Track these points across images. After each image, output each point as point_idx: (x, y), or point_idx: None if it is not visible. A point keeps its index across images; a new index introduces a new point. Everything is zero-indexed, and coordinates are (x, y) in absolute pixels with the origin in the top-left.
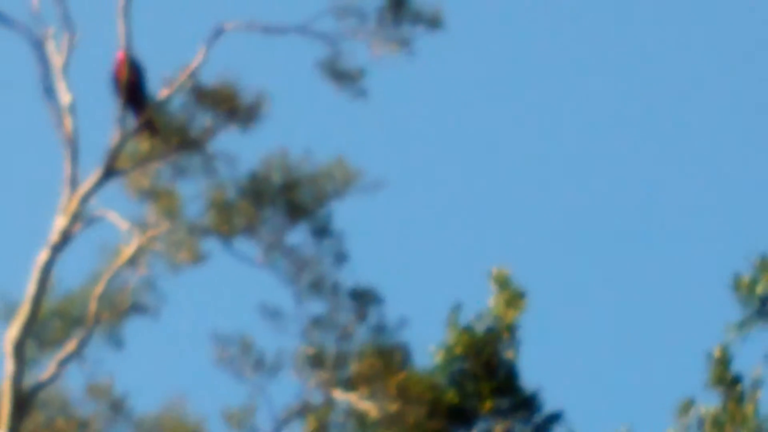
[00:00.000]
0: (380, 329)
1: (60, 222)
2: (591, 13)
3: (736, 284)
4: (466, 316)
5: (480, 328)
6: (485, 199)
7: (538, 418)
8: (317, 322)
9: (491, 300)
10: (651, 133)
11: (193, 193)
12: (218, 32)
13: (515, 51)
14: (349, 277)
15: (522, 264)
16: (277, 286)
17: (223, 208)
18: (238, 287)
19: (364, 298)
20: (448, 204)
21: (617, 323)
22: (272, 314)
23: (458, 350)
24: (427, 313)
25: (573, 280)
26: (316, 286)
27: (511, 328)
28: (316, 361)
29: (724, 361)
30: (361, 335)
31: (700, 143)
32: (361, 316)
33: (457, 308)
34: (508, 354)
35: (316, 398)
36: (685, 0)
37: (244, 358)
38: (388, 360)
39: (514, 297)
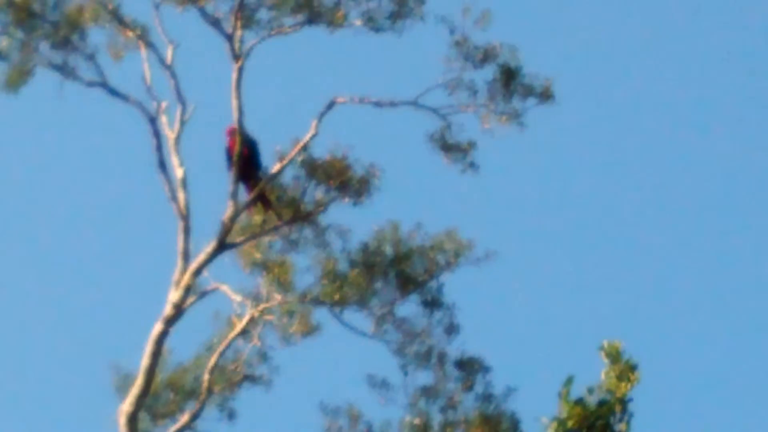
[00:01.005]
0: (487, 398)
1: (173, 295)
2: (696, 83)
3: None
4: (579, 390)
5: (592, 401)
6: (596, 271)
7: None
8: (424, 392)
9: (603, 373)
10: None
11: (305, 266)
12: (330, 106)
13: (625, 121)
14: (460, 348)
15: (633, 336)
16: (385, 357)
17: (334, 279)
18: (349, 358)
19: (470, 368)
20: (558, 276)
21: (732, 394)
22: (380, 385)
23: (571, 423)
24: (538, 385)
25: (686, 352)
26: (424, 357)
27: (624, 401)
28: (422, 431)
29: None
30: (468, 405)
31: None
32: (468, 386)
33: (569, 381)
34: (621, 427)
35: None
36: None
37: (352, 429)
38: (495, 429)
39: (626, 370)
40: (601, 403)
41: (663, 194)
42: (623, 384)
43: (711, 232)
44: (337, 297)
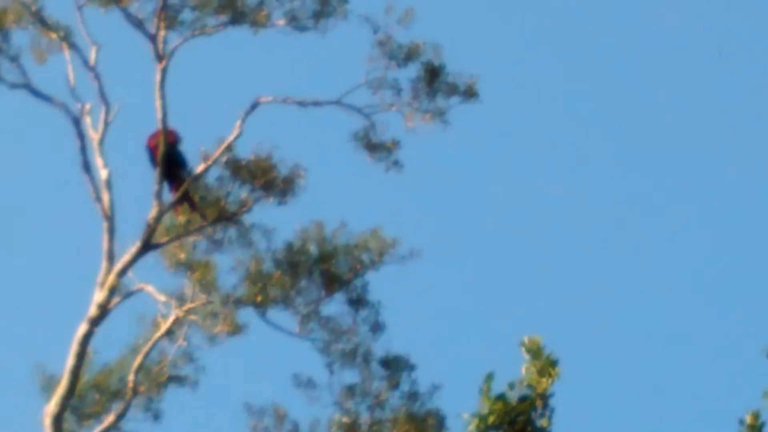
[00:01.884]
0: (413, 397)
1: (98, 296)
2: (621, 87)
3: None
4: (500, 385)
5: (513, 396)
6: (518, 268)
7: None
8: (350, 390)
9: (524, 368)
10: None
11: (230, 266)
12: (254, 106)
13: (547, 119)
14: (385, 346)
15: (554, 332)
16: (311, 356)
17: (259, 280)
18: (275, 358)
19: (396, 366)
20: (481, 273)
21: (650, 389)
22: (306, 384)
23: (492, 419)
24: (461, 381)
25: (605, 347)
26: (350, 355)
27: (544, 397)
28: (350, 430)
29: (756, 427)
30: (394, 402)
31: None
32: (394, 384)
33: (489, 377)
34: (542, 422)
35: None
36: None
37: (278, 428)
38: (421, 427)
39: (546, 365)
40: (522, 399)
41: (581, 191)
42: (544, 379)
43: (628, 229)
44: (259, 299)
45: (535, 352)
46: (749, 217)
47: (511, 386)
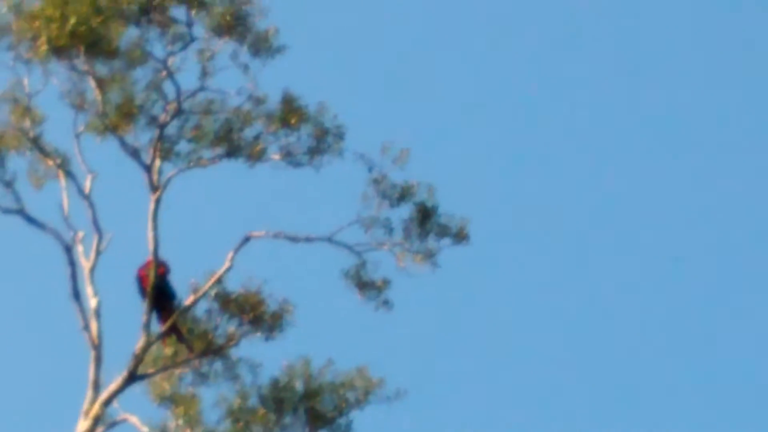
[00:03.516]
0: None
1: (82, 425)
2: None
3: None
4: None
5: None
6: (505, 410)
7: None
8: None
9: None
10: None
11: (215, 399)
12: (246, 240)
13: (536, 263)
14: None
15: None
16: None
17: (242, 417)
18: None
19: None
20: (467, 415)
21: None
22: None
23: None
24: None
25: None
26: None
27: None
28: None
29: None
30: None
31: None
32: None
33: None
34: None
35: None
36: None
37: None
38: None
39: None
40: None
41: (575, 327)
42: None
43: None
44: None
45: None
46: None
47: None
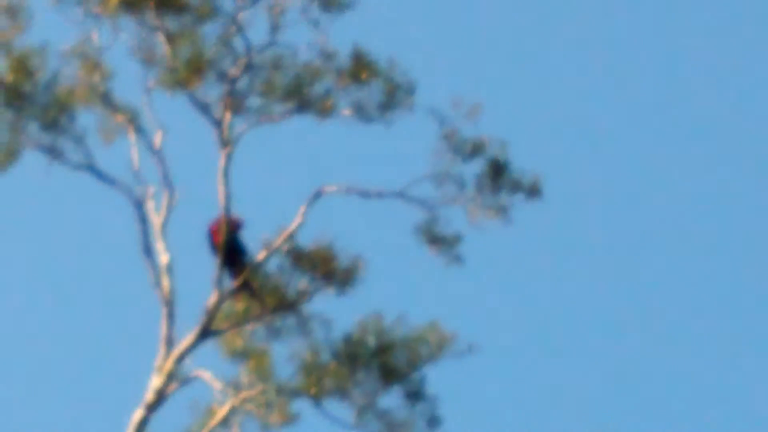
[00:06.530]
0: None
1: (155, 381)
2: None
3: None
4: None
5: None
6: (578, 363)
7: None
8: None
9: None
10: None
11: (287, 355)
12: (317, 195)
13: (610, 217)
14: None
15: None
16: None
17: (315, 370)
18: None
19: None
20: (539, 368)
21: None
22: None
23: None
24: None
25: None
26: None
27: None
28: None
29: None
30: None
31: None
32: None
33: None
34: None
35: None
36: None
37: None
38: None
39: None
40: None
41: (643, 289)
42: None
43: (698, 328)
44: (314, 391)
45: None
46: None
47: None
